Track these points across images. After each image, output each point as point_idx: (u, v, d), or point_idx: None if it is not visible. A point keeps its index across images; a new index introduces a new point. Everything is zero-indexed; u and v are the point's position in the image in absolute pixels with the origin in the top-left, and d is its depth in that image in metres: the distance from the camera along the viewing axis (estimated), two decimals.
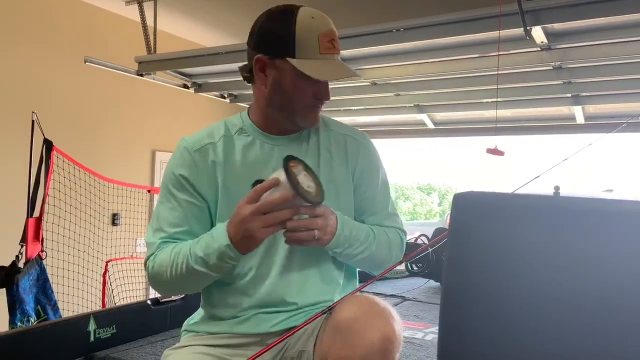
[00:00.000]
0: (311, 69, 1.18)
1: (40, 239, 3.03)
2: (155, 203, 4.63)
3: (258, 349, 1.27)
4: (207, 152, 1.28)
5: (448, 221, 1.06)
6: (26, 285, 2.81)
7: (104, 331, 2.19)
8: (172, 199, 1.27)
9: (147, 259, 1.27)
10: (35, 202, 3.03)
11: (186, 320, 1.40)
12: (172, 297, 2.52)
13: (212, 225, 1.29)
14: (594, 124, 4.01)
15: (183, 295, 2.54)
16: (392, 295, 3.39)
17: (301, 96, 1.23)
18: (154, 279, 1.26)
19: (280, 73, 1.22)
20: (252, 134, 1.31)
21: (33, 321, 2.80)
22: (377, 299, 1.15)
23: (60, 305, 3.14)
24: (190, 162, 1.27)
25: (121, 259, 4.10)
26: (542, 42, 2.42)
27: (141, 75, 3.58)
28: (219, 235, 1.16)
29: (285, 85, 1.23)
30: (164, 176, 1.32)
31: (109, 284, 3.74)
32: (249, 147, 1.30)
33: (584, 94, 3.38)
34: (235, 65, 3.14)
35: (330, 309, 1.16)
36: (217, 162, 1.27)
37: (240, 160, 1.28)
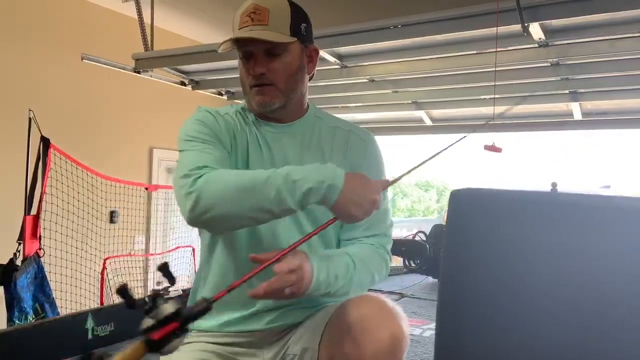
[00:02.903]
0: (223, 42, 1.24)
1: (38, 237, 3.03)
2: (153, 201, 4.63)
3: (259, 347, 1.27)
4: (226, 119, 1.30)
5: (446, 217, 1.07)
6: (24, 283, 2.81)
7: (102, 329, 2.19)
8: (198, 143, 1.20)
9: (194, 179, 1.09)
10: (32, 199, 3.03)
11: None
12: (170, 294, 2.52)
13: None
14: (591, 120, 4.01)
15: (181, 292, 2.54)
16: (390, 292, 3.39)
17: (242, 75, 1.29)
18: (206, 189, 1.07)
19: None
20: (250, 117, 1.34)
21: (31, 319, 2.79)
22: (385, 298, 1.15)
23: (58, 302, 3.13)
24: (212, 119, 1.27)
25: (119, 256, 4.09)
26: (539, 39, 2.42)
27: (138, 72, 3.57)
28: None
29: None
30: (183, 131, 1.25)
31: (107, 281, 3.74)
32: (252, 130, 1.32)
33: (582, 90, 3.39)
34: (232, 62, 3.14)
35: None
36: (234, 130, 1.28)
37: (249, 139, 1.30)
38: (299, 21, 1.27)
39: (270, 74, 1.24)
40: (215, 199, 1.06)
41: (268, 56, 1.23)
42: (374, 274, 1.24)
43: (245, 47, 1.24)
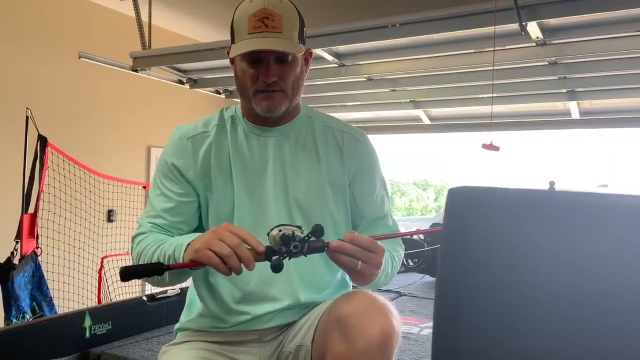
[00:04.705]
0: (235, 49, 1.22)
1: (35, 236, 3.02)
2: None
3: (257, 345, 1.28)
4: (200, 140, 1.31)
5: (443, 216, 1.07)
6: (21, 282, 2.80)
7: (99, 327, 2.18)
8: (162, 187, 1.29)
9: (135, 236, 1.27)
10: (30, 198, 3.02)
11: (180, 319, 1.39)
12: (168, 292, 2.52)
13: (201, 216, 1.31)
14: (589, 119, 4.02)
15: (179, 291, 2.54)
16: (387, 291, 3.39)
17: (247, 80, 1.26)
18: (134, 259, 1.25)
19: (234, 61, 1.30)
20: (241, 124, 1.34)
21: (28, 317, 2.79)
22: (376, 294, 1.15)
23: (55, 301, 3.13)
24: (182, 150, 1.30)
25: (117, 255, 4.08)
26: (537, 38, 2.42)
27: (136, 70, 3.55)
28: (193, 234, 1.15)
29: (236, 72, 1.29)
30: (158, 163, 1.34)
31: (105, 280, 3.74)
32: (239, 137, 1.32)
33: (579, 89, 3.39)
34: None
35: None
36: (210, 150, 1.30)
37: (231, 151, 1.30)
38: (303, 26, 1.28)
39: (281, 80, 1.25)
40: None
41: (278, 62, 1.23)
42: (397, 266, 1.34)
43: (255, 52, 1.22)
